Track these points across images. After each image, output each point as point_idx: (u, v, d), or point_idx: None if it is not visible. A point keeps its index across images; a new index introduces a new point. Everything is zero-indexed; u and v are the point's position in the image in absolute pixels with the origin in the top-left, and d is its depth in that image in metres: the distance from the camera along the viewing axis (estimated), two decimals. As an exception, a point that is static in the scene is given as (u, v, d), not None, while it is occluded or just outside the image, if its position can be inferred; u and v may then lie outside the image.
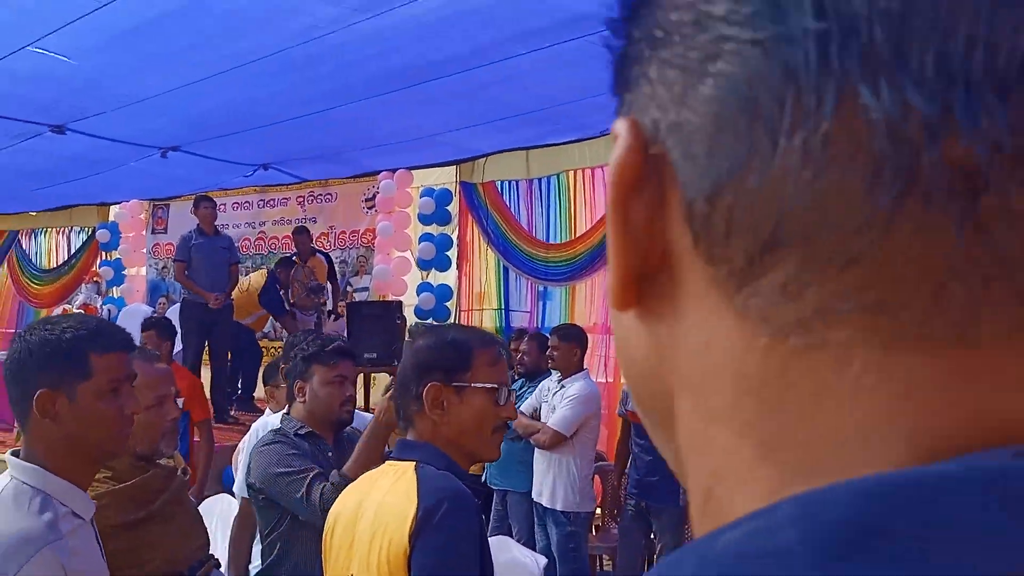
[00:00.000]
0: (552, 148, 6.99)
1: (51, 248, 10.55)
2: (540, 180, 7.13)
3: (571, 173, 6.95)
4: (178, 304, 7.35)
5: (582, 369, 4.81)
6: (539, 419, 4.75)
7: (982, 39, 0.25)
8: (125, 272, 9.70)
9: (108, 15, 4.65)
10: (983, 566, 0.22)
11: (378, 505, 1.48)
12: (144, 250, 9.65)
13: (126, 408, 1.59)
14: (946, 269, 0.26)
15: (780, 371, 0.28)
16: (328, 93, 5.95)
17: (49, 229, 10.56)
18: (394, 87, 5.81)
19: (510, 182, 7.30)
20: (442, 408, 1.56)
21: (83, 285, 5.40)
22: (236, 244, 7.36)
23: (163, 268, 9.48)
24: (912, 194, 0.25)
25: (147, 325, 4.98)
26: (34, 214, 10.47)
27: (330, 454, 2.49)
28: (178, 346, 6.98)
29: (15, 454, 1.55)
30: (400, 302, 7.43)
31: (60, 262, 10.32)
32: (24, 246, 10.63)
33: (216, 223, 6.82)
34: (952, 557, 0.23)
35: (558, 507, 4.52)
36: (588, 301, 6.86)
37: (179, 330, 6.63)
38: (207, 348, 6.58)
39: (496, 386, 1.59)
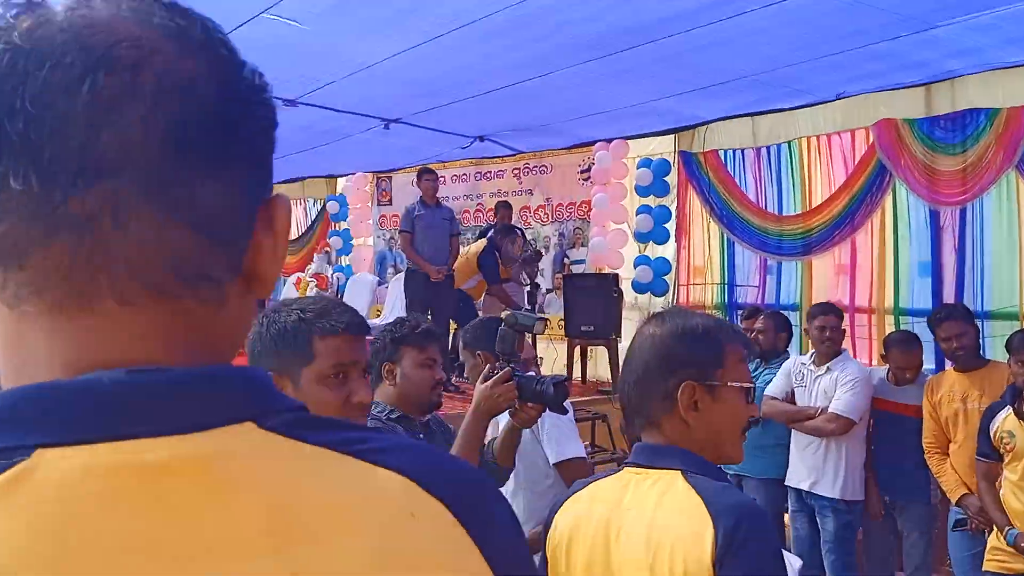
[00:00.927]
0: (781, 114, 6.50)
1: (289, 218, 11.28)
2: (768, 148, 6.66)
3: (803, 141, 6.43)
4: (402, 274, 7.59)
5: (842, 350, 4.48)
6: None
7: (77, 152, 0.46)
8: (353, 242, 10.21)
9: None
10: (34, 436, 0.45)
11: (649, 523, 1.31)
12: (370, 221, 10.10)
13: (353, 396, 1.47)
14: (74, 265, 0.47)
15: (16, 329, 0.49)
16: (541, 59, 5.82)
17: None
18: (609, 51, 5.60)
19: (735, 151, 6.88)
20: (696, 409, 1.40)
21: (315, 255, 5.66)
22: (456, 216, 7.47)
23: (390, 239, 9.88)
24: (52, 227, 0.47)
25: None
26: (273, 186, 11.23)
27: (421, 437, 2.37)
28: (400, 314, 7.23)
29: None
30: (616, 275, 7.27)
31: (300, 233, 11.02)
32: (267, 218, 11.44)
33: (438, 195, 6.93)
34: (35, 426, 0.45)
35: (836, 495, 4.25)
36: (827, 277, 6.37)
37: (404, 299, 6.85)
38: (430, 317, 6.74)
39: (750, 386, 1.45)
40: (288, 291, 8.81)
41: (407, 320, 2.48)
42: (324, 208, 10.54)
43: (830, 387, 4.28)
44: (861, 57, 5.52)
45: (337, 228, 10.41)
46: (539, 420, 2.26)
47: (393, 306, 7.55)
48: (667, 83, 6.26)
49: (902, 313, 5.85)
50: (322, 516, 0.48)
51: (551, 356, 7.69)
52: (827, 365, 4.37)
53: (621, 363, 1.52)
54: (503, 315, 2.29)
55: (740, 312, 5.92)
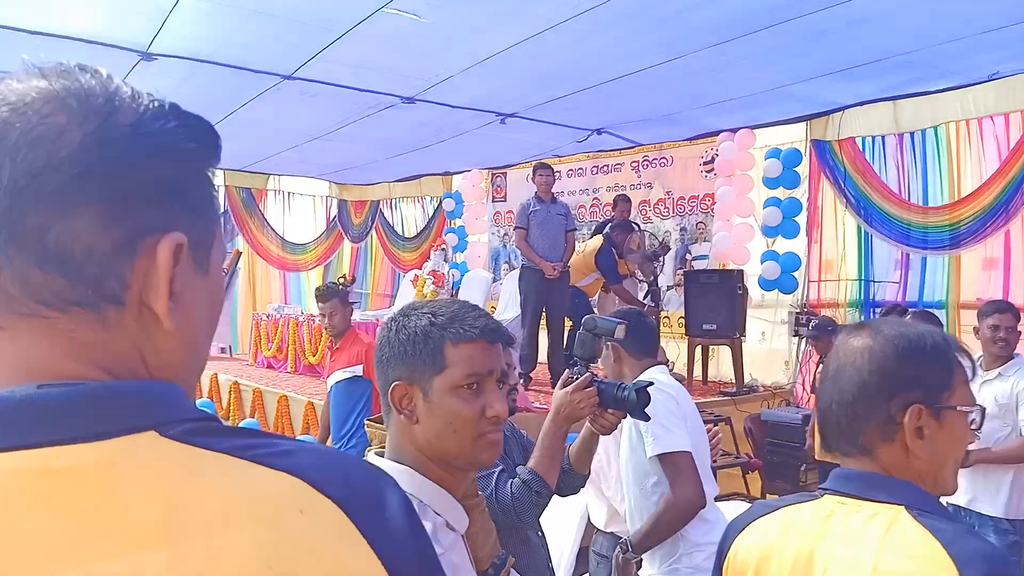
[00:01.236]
0: (927, 97, 6.01)
1: (408, 217, 11.40)
2: (912, 135, 6.18)
3: (951, 125, 5.93)
4: (517, 270, 7.46)
5: (1014, 355, 3.96)
6: None
7: None
8: (468, 239, 10.19)
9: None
10: None
11: (873, 566, 1.12)
12: (485, 218, 10.05)
13: (489, 408, 1.33)
14: None
15: None
16: (666, 45, 5.55)
17: (405, 199, 11.42)
18: (740, 33, 5.29)
19: (874, 138, 6.42)
20: (921, 436, 1.20)
21: (432, 252, 5.60)
22: (572, 212, 7.27)
23: (504, 235, 9.80)
24: None
25: (330, 294, 4.70)
26: (389, 184, 11.37)
27: None
28: (515, 311, 7.10)
29: (380, 454, 1.37)
30: (741, 271, 6.92)
31: (418, 230, 11.12)
32: (386, 216, 11.60)
33: (553, 190, 6.76)
34: None
35: (999, 513, 3.83)
36: (977, 272, 5.85)
37: (519, 296, 6.71)
38: (544, 314, 6.57)
39: (976, 409, 1.25)
40: (405, 288, 8.84)
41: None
42: (440, 205, 10.57)
43: (1003, 395, 3.82)
44: (1020, 34, 5.02)
45: (453, 225, 10.42)
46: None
47: (507, 303, 7.43)
48: (802, 66, 5.87)
49: (1065, 312, 5.30)
50: (213, 512, 0.53)
51: (672, 354, 7.40)
52: (998, 370, 3.88)
53: (822, 374, 1.31)
54: (584, 319, 2.14)
55: (879, 310, 5.47)
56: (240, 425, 6.12)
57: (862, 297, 6.54)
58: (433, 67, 6.24)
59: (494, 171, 9.97)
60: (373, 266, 11.71)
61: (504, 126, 7.67)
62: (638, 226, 7.52)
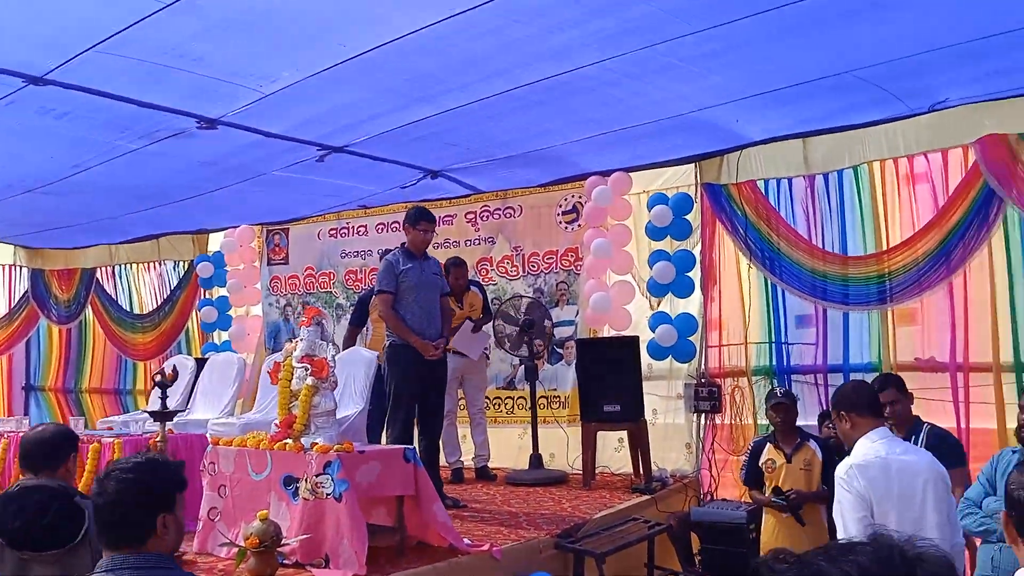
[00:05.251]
0: (844, 133, 5.36)
1: (139, 289, 8.81)
2: (827, 176, 5.50)
3: (876, 164, 5.32)
4: (351, 350, 5.60)
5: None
6: None
7: None
8: (231, 313, 8.01)
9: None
10: None
11: None
12: (258, 285, 7.96)
13: None
14: None
15: None
16: (552, 55, 4.29)
17: (133, 264, 8.84)
18: (598, 57, 4.23)
19: (779, 180, 5.67)
20: None
21: (303, 328, 3.76)
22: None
23: (286, 306, 7.80)
24: None
25: None
26: (111, 248, 8.76)
27: None
28: (358, 404, 5.26)
29: None
30: (636, 338, 5.77)
31: (157, 304, 8.58)
32: (106, 289, 8.89)
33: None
34: None
35: None
36: (919, 329, 5.21)
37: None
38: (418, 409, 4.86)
39: None
40: (258, 384, 6.22)
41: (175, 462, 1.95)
42: (190, 271, 8.27)
43: None
44: (967, 56, 4.49)
45: (210, 296, 8.18)
46: None
47: (344, 392, 5.49)
48: (685, 97, 4.92)
49: (1025, 370, 4.81)
50: None
51: (558, 443, 6.02)
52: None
53: None
54: None
55: (795, 376, 4.42)
56: None
57: (773, 363, 5.68)
58: (270, 67, 4.37)
59: (271, 227, 7.95)
60: (90, 354, 8.90)
61: (320, 164, 5.88)
62: (457, 298, 5.92)
